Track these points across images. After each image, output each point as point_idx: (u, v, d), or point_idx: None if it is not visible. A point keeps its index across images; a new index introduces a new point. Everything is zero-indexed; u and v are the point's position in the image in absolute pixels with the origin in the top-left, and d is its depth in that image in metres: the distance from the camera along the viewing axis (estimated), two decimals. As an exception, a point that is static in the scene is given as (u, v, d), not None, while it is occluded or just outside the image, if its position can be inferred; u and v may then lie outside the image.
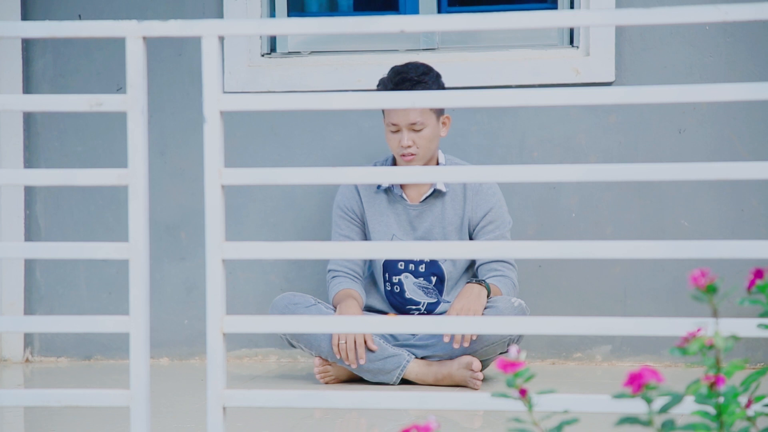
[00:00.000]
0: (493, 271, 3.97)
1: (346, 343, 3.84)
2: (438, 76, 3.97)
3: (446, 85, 4.30)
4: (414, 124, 3.92)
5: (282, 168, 2.01)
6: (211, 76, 1.97)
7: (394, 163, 4.07)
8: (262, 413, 3.41)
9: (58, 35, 2.01)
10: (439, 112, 3.98)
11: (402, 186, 4.06)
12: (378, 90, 3.99)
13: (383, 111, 4.01)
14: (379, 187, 4.05)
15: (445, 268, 4.03)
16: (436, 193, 4.03)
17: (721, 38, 4.29)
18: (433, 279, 4.04)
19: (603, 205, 4.36)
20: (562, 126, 4.38)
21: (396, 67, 3.98)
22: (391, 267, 4.05)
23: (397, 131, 3.95)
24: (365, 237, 4.08)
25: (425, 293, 4.04)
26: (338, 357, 3.87)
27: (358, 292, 4.02)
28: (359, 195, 4.07)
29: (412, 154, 3.93)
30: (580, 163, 4.30)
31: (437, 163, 4.04)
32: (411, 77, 3.92)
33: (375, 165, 4.13)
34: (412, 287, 4.04)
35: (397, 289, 4.06)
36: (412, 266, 4.03)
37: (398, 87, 3.92)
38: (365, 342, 3.86)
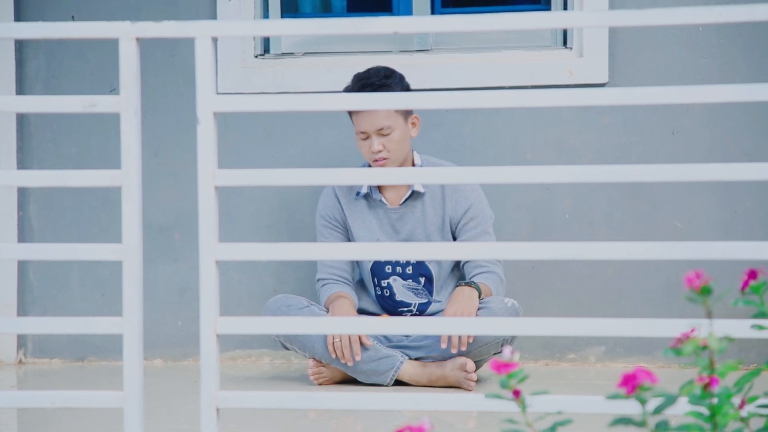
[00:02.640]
0: (479, 267, 3.97)
1: (341, 341, 3.85)
2: (401, 78, 3.97)
3: (440, 86, 4.31)
4: (382, 129, 3.92)
5: (275, 169, 2.01)
6: (204, 77, 1.97)
7: None
8: (256, 414, 3.41)
9: (52, 36, 2.01)
10: (407, 113, 3.98)
11: (380, 190, 4.06)
12: None
13: (352, 120, 4.01)
14: (358, 193, 4.06)
15: (432, 268, 4.04)
16: (415, 195, 4.04)
17: (714, 39, 4.29)
18: (422, 279, 4.04)
19: (596, 206, 4.36)
20: (556, 127, 4.38)
21: (358, 73, 3.98)
22: (379, 271, 4.06)
23: (367, 138, 3.95)
24: None
25: (415, 294, 4.04)
26: (334, 356, 3.87)
27: (349, 294, 4.03)
28: (339, 202, 4.07)
29: (384, 158, 3.94)
30: (573, 165, 4.30)
31: (413, 164, 4.05)
32: (373, 82, 3.92)
33: None
34: (401, 289, 4.04)
35: (387, 292, 4.06)
36: (399, 269, 4.04)
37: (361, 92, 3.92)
38: (360, 338, 3.86)
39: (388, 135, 3.93)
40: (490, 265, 3.97)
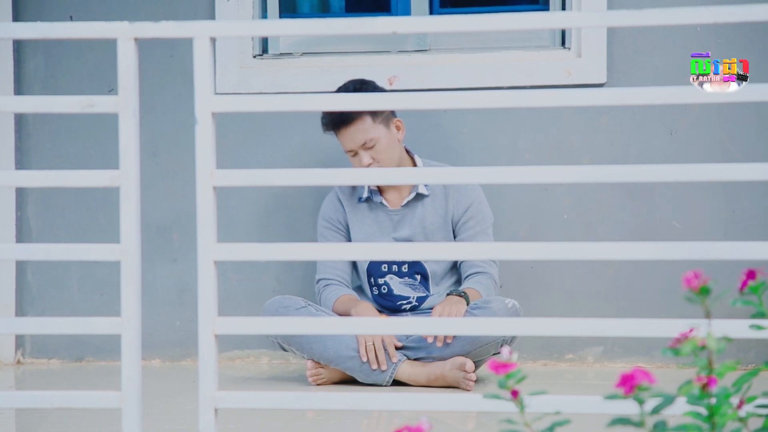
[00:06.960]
0: (474, 267, 3.99)
1: (374, 344, 3.85)
2: (374, 87, 4.01)
3: (438, 87, 4.32)
4: (365, 143, 3.95)
5: (274, 169, 2.01)
6: (202, 77, 1.97)
7: None
8: (254, 414, 3.41)
9: (50, 36, 2.01)
10: (388, 120, 3.98)
11: (381, 192, 4.08)
12: (323, 125, 4.05)
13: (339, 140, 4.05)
14: (360, 198, 4.08)
15: (428, 267, 4.05)
16: (418, 197, 4.05)
17: (712, 40, 4.30)
18: (418, 277, 4.05)
19: (595, 206, 4.36)
20: (554, 127, 4.38)
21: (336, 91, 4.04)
22: (375, 271, 4.07)
23: (355, 155, 3.99)
24: None
25: (412, 288, 4.06)
26: (365, 360, 3.86)
27: (357, 297, 4.04)
28: (342, 205, 4.10)
29: None
30: (572, 165, 4.30)
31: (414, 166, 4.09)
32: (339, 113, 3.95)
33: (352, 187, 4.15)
34: (398, 286, 4.06)
35: (384, 290, 4.06)
36: (395, 267, 4.05)
37: (333, 123, 3.98)
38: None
39: (373, 147, 3.96)
40: (485, 267, 3.99)
